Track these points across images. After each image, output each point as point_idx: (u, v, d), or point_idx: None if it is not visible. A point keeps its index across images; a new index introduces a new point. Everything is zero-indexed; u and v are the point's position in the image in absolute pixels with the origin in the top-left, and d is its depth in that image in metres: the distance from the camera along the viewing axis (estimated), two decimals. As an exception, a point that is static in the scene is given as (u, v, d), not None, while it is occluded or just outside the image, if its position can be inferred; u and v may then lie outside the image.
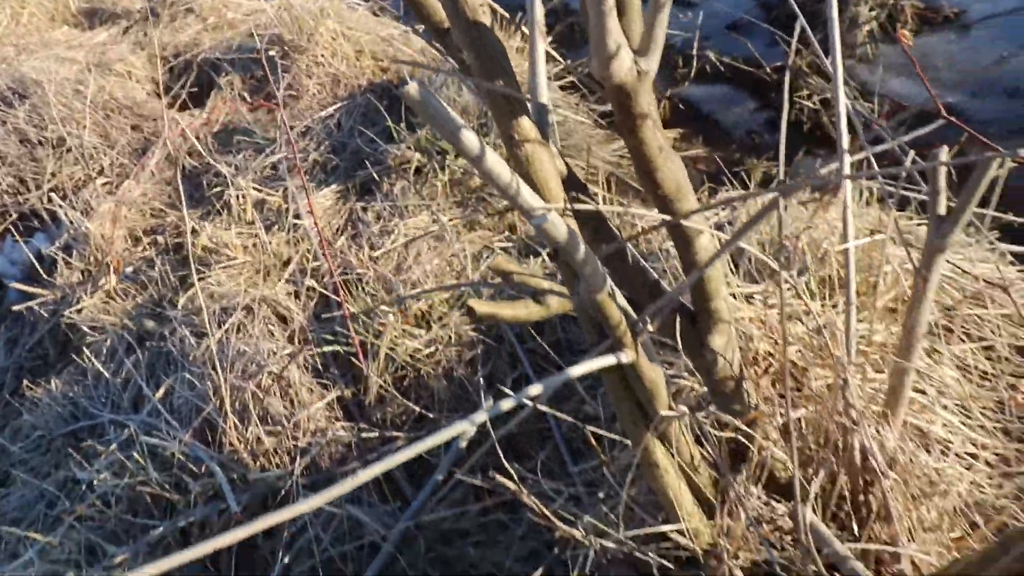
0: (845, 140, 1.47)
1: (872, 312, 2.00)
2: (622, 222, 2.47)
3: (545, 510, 1.41)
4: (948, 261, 1.97)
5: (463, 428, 1.07)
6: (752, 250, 2.09)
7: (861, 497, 1.61)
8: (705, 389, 1.62)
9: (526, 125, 1.09)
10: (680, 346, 1.42)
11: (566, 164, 1.24)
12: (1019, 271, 2.38)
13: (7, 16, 5.50)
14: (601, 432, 1.77)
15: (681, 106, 4.17)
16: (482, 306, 1.31)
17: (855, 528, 1.56)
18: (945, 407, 1.96)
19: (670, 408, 1.29)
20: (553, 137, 1.24)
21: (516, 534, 2.00)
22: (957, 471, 1.78)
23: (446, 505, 2.03)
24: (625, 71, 1.05)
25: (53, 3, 5.78)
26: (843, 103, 1.49)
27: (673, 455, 1.39)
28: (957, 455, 1.85)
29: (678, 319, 1.41)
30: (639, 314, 1.18)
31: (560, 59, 4.07)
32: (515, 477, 1.45)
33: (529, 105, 1.17)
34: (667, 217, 1.23)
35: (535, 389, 1.06)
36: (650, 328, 1.15)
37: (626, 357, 1.16)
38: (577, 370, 1.11)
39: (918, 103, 3.67)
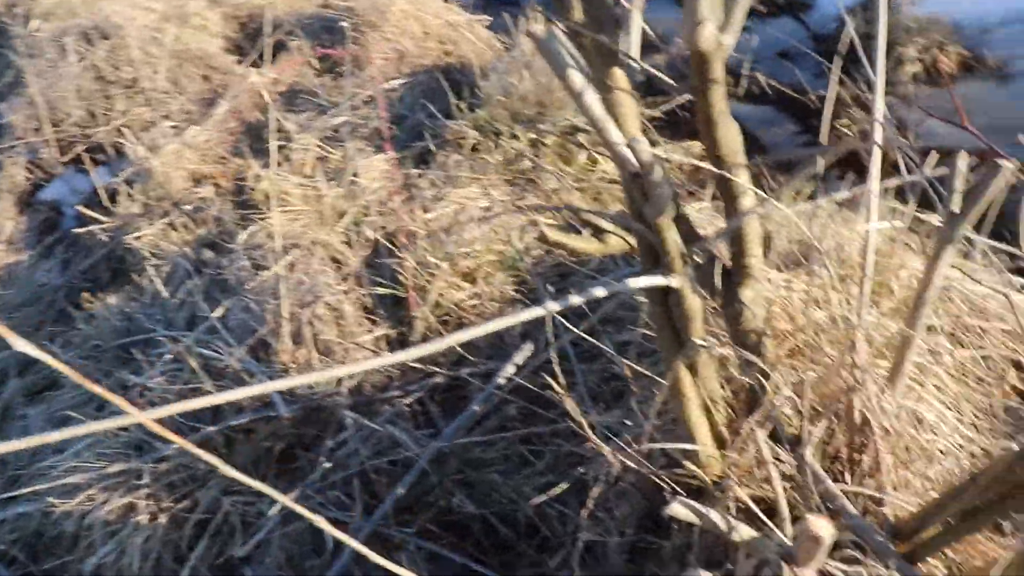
0: (879, 132, 1.67)
1: (882, 307, 2.20)
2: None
3: (581, 418, 1.61)
4: (957, 268, 2.16)
5: (540, 312, 1.26)
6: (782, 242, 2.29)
7: (856, 456, 1.81)
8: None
9: (618, 74, 1.30)
10: (714, 294, 1.62)
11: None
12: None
13: (92, -38, 5.76)
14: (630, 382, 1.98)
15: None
16: (554, 234, 1.51)
17: (847, 480, 1.76)
18: (940, 401, 2.15)
19: (704, 339, 1.49)
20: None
21: (537, 468, 2.20)
22: (942, 449, 1.97)
23: (476, 435, 2.23)
24: (706, 39, 1.26)
25: (136, -46, 6.05)
26: (880, 96, 1.69)
27: (698, 387, 1.59)
28: (945, 441, 2.05)
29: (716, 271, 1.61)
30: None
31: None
32: (564, 389, 1.65)
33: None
34: (720, 171, 1.44)
35: (599, 291, 1.26)
36: (697, 259, 1.34)
37: (675, 282, 1.36)
38: (634, 282, 1.32)
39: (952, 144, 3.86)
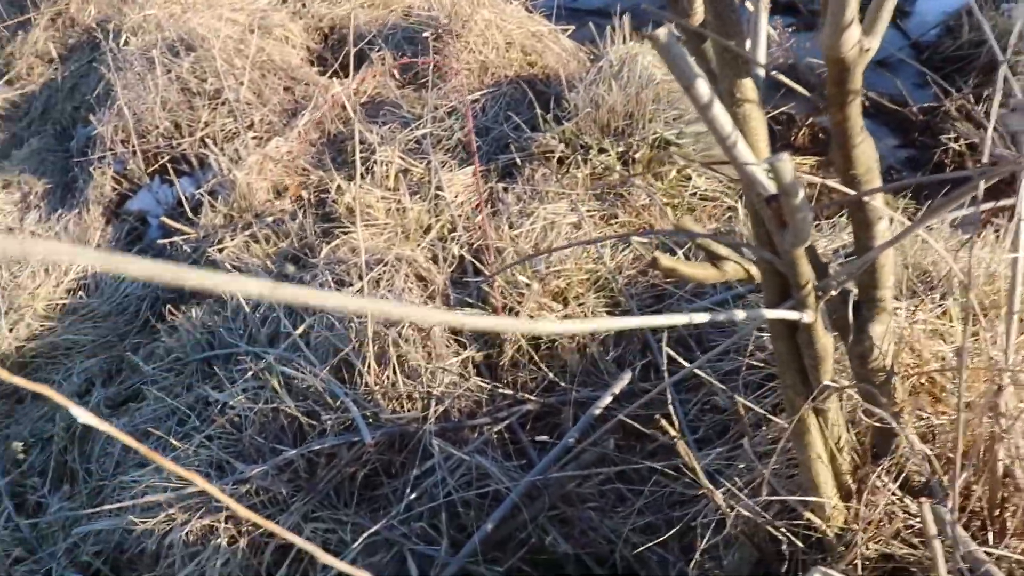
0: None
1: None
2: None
3: (695, 462, 1.48)
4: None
5: (681, 319, 1.14)
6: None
7: (997, 511, 1.63)
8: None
9: (748, 85, 1.17)
10: (841, 329, 1.47)
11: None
12: None
13: (177, -24, 5.81)
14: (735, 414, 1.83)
15: (821, 135, 4.18)
16: (667, 260, 1.38)
17: (989, 539, 1.59)
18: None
19: (833, 380, 1.35)
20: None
21: (635, 506, 2.07)
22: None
23: (572, 468, 2.10)
24: (851, 46, 1.12)
25: (220, -33, 6.09)
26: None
27: (825, 432, 1.45)
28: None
29: (842, 304, 1.46)
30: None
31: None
32: (676, 425, 1.52)
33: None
34: (852, 192, 1.29)
35: (739, 315, 1.12)
36: (833, 293, 1.21)
37: (808, 317, 1.22)
38: (770, 313, 1.18)
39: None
